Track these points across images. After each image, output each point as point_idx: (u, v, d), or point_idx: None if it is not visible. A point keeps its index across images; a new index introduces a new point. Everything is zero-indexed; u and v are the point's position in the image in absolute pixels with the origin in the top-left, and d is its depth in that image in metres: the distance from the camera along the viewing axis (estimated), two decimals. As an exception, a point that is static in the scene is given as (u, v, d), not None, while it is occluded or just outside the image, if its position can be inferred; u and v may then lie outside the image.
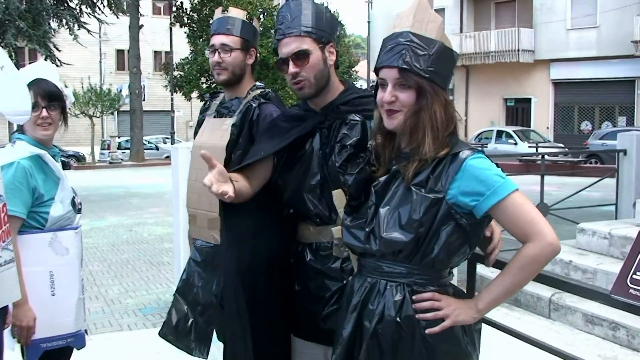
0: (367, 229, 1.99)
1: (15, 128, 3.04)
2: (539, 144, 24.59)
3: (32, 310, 2.84)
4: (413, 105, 1.95)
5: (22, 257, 2.82)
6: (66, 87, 3.25)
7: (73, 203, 3.08)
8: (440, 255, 1.92)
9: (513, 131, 26.96)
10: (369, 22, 32.29)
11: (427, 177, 1.93)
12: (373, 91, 2.11)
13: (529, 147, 24.72)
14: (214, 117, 3.24)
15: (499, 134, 27.16)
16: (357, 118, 2.20)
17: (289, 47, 2.46)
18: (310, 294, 2.55)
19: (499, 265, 2.14)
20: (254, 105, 3.02)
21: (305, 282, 2.58)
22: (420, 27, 1.97)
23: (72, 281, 3.01)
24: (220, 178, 2.17)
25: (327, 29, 2.55)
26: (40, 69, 3.12)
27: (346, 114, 2.48)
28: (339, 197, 2.45)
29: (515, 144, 25.83)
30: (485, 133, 27.94)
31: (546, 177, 7.87)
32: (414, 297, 1.94)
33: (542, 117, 31.35)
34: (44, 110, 3.00)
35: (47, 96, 3.01)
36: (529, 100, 31.90)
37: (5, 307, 2.69)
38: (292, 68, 2.45)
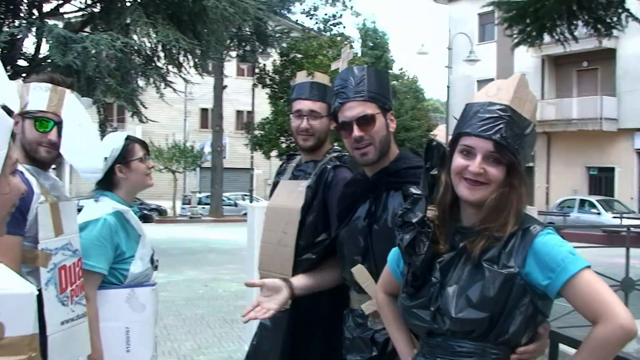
0: (432, 308, 1.93)
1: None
2: (624, 215, 23.76)
3: None
4: (501, 182, 1.90)
5: (100, 312, 2.87)
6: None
7: (152, 260, 3.14)
8: (516, 332, 1.84)
9: (597, 201, 26.15)
10: (448, 87, 32.29)
11: (499, 252, 1.87)
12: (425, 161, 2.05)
13: (613, 217, 23.92)
14: (289, 179, 3.27)
15: (582, 203, 26.38)
16: (419, 192, 2.15)
17: (353, 110, 2.45)
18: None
19: (576, 344, 2.06)
20: (328, 167, 3.04)
21: (343, 345, 2.57)
22: (519, 104, 1.92)
23: (147, 338, 3.03)
24: (268, 292, 2.27)
25: (389, 95, 2.56)
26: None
27: (395, 185, 2.45)
28: (360, 273, 2.44)
29: (599, 213, 25.01)
30: (568, 202, 27.18)
31: (632, 250, 7.57)
32: None
33: (626, 187, 30.29)
34: (150, 161, 3.15)
35: (148, 148, 3.19)
36: (612, 169, 30.93)
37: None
38: (357, 132, 2.43)
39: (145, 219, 31.12)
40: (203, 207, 35.67)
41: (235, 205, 36.91)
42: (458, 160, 1.94)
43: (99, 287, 2.92)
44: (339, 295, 2.69)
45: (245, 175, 39.10)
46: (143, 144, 3.16)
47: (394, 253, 2.17)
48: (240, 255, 16.32)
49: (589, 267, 1.82)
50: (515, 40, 14.30)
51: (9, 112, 2.63)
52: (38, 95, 2.58)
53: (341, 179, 2.90)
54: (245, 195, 38.06)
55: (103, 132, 19.43)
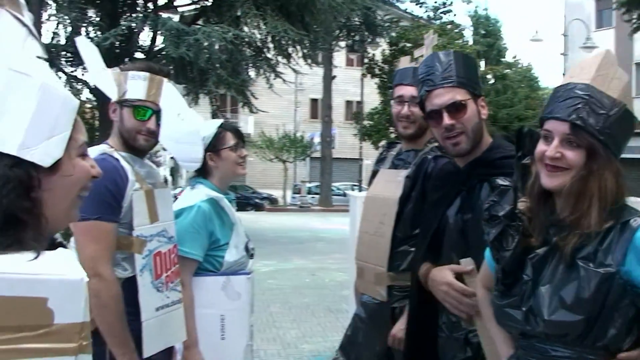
0: (523, 308, 1.78)
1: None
2: None
3: (201, 353, 2.88)
4: (581, 167, 1.73)
5: (195, 298, 2.89)
6: None
7: (246, 248, 3.14)
8: (616, 336, 1.68)
9: None
10: (564, 75, 31.01)
11: (595, 249, 1.70)
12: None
13: None
14: (389, 168, 3.19)
15: None
16: (507, 183, 1.98)
17: (442, 98, 2.31)
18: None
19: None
20: (429, 157, 2.94)
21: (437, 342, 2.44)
22: (602, 82, 1.76)
23: (242, 327, 3.02)
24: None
25: (478, 80, 2.42)
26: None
27: (488, 176, 2.28)
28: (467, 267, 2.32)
29: None
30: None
31: None
32: None
33: None
34: (243, 149, 3.13)
35: (242, 137, 3.15)
36: None
37: (171, 347, 2.76)
38: (447, 120, 2.30)
39: (257, 207, 31.85)
40: (313, 197, 36.04)
41: (344, 195, 36.99)
42: (539, 146, 1.80)
43: (195, 274, 2.93)
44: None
45: (354, 166, 39.18)
46: (237, 133, 3.14)
47: None
48: (348, 245, 16.34)
49: None
50: (634, 26, 13.53)
51: (103, 96, 2.69)
52: (136, 83, 2.59)
53: (441, 170, 2.78)
54: (355, 185, 38.15)
55: (215, 123, 19.96)
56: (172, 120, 2.65)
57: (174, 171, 19.41)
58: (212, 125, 3.10)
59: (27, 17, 1.30)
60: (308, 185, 38.31)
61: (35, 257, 1.09)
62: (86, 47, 2.63)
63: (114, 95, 2.60)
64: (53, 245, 1.24)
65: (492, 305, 1.93)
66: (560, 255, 1.76)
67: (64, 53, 16.56)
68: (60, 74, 17.26)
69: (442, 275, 2.29)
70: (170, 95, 2.67)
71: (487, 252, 2.04)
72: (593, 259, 1.70)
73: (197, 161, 2.87)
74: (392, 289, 2.90)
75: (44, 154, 1.22)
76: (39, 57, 1.28)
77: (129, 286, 2.50)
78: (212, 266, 2.99)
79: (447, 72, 2.33)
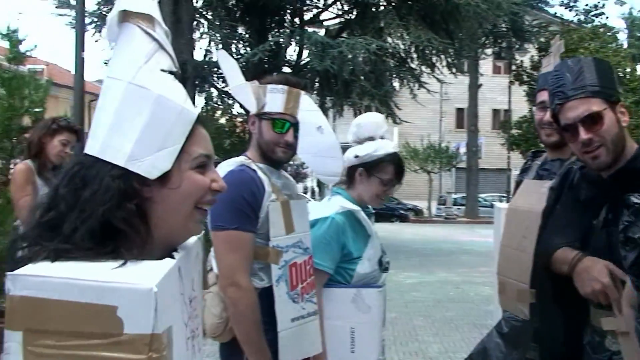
0: None
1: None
2: None
3: None
4: None
5: (325, 310, 2.87)
6: None
7: (380, 262, 3.07)
8: None
9: None
10: None
11: None
12: None
13: None
14: (533, 178, 3.03)
15: None
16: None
17: (576, 111, 2.13)
18: None
19: None
20: (575, 167, 2.75)
21: None
22: None
23: (373, 340, 2.97)
24: None
25: (614, 85, 2.19)
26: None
27: (635, 187, 2.05)
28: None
29: None
30: None
31: None
32: None
33: None
34: (392, 189, 3.09)
35: (400, 178, 3.11)
36: None
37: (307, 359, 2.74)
38: (583, 134, 2.12)
39: (402, 218, 31.73)
40: (458, 208, 35.41)
41: (491, 206, 36.07)
42: None
43: (325, 285, 2.92)
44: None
45: (501, 176, 38.13)
46: (399, 172, 3.07)
47: None
48: (495, 258, 15.87)
49: None
50: None
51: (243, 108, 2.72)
52: (275, 97, 2.63)
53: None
54: (503, 196, 37.10)
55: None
56: (310, 133, 2.67)
57: (321, 183, 19.73)
58: (385, 147, 3.05)
59: (160, 32, 1.32)
60: (453, 196, 37.68)
61: (121, 265, 1.09)
62: (227, 61, 2.70)
63: (253, 108, 2.66)
64: (171, 257, 1.24)
65: (636, 332, 1.75)
66: None
67: (215, 69, 17.29)
68: (212, 89, 18.07)
69: (599, 270, 2.10)
70: (308, 107, 2.69)
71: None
72: None
73: (336, 175, 2.86)
74: (535, 307, 2.73)
75: (151, 166, 1.24)
76: (163, 70, 1.29)
77: (265, 297, 2.53)
78: (342, 278, 2.97)
79: (579, 82, 2.15)
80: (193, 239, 1.43)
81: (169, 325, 1.08)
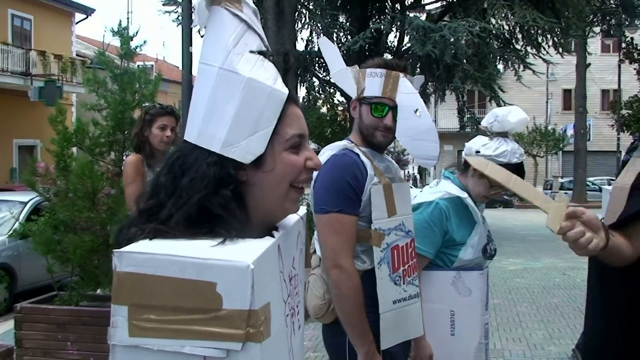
0: None
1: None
2: None
3: (428, 347, 2.87)
4: None
5: (424, 293, 2.87)
6: None
7: (485, 249, 3.05)
8: None
9: None
10: None
11: None
12: None
13: None
14: (640, 156, 2.93)
15: None
16: None
17: None
18: None
19: None
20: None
21: None
22: None
23: (474, 323, 2.96)
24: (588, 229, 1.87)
25: None
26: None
27: None
28: None
29: None
30: None
31: None
32: None
33: None
34: (500, 192, 3.06)
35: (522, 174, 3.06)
36: None
37: (409, 341, 2.77)
38: None
39: (506, 204, 31.02)
40: (566, 193, 34.02)
41: (600, 190, 34.70)
42: None
43: (425, 268, 2.92)
44: None
45: (611, 159, 36.65)
46: (521, 170, 3.02)
47: None
48: (603, 243, 15.32)
49: None
50: None
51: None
52: (373, 81, 2.65)
53: None
54: (612, 179, 35.57)
55: (462, 118, 19.79)
56: (408, 117, 2.67)
57: (422, 169, 19.54)
58: (510, 155, 3.03)
59: (248, 11, 1.32)
60: (561, 180, 36.48)
61: (220, 243, 1.12)
62: (328, 48, 2.76)
63: (353, 93, 2.70)
64: (271, 235, 1.28)
65: None
66: None
67: (317, 59, 17.41)
68: (314, 79, 18.20)
69: None
70: (407, 90, 2.68)
71: None
72: None
73: (433, 159, 2.81)
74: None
75: (245, 150, 1.26)
76: (252, 52, 1.30)
77: (368, 279, 2.55)
78: (443, 263, 2.97)
79: None
80: (295, 218, 1.45)
81: (267, 302, 1.09)
